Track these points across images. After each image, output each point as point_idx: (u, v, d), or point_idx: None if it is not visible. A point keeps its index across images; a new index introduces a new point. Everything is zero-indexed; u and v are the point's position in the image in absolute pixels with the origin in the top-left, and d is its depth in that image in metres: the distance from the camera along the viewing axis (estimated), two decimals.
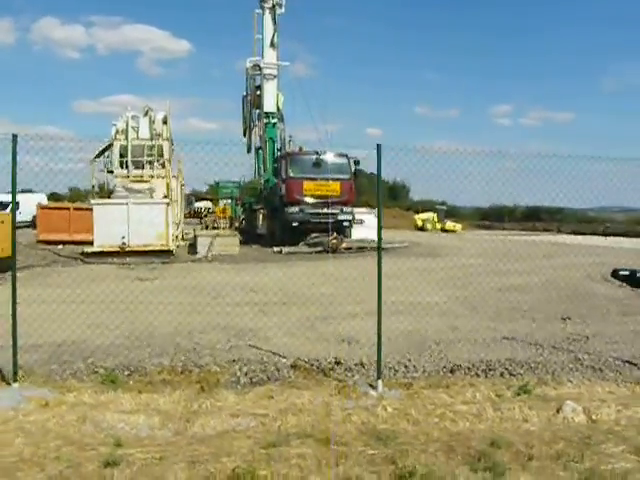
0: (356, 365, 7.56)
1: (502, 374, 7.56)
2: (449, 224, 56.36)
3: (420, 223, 56.70)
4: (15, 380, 6.53)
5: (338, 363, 7.60)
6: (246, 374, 7.15)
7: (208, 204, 51.20)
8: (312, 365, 7.52)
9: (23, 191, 35.81)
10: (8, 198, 25.33)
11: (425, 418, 6.01)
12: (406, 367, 7.66)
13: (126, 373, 7.15)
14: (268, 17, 31.12)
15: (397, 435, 5.55)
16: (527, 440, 5.51)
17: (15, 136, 6.14)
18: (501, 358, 8.05)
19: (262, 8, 31.21)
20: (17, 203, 22.85)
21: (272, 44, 31.07)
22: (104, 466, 4.67)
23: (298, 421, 5.77)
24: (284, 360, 7.68)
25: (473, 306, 11.78)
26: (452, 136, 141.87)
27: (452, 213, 62.03)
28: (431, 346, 8.70)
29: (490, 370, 7.64)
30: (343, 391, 6.68)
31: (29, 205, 37.20)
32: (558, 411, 6.28)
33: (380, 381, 6.81)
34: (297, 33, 47.88)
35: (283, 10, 31.12)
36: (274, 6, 30.89)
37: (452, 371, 7.61)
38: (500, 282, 14.91)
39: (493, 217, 77.62)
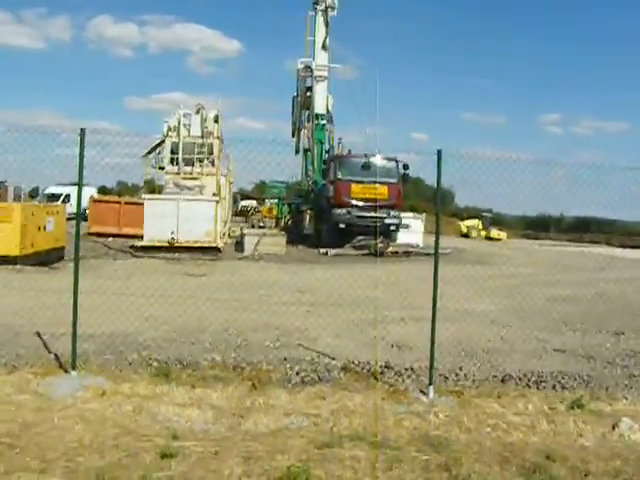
0: (406, 370, 7.53)
1: (554, 386, 7.42)
2: (494, 232, 55.56)
3: (465, 230, 56.08)
4: (74, 368, 6.68)
5: (388, 367, 7.58)
6: (297, 373, 7.18)
7: (253, 203, 51.56)
8: (362, 368, 7.51)
9: (73, 184, 36.79)
10: (60, 190, 26.18)
11: (477, 427, 5.96)
12: (456, 375, 7.60)
13: (179, 367, 7.25)
14: (320, 19, 31.25)
15: (449, 442, 5.50)
16: (582, 455, 5.41)
17: (83, 130, 6.28)
18: (553, 370, 7.92)
19: (315, 10, 31.35)
20: (68, 195, 23.63)
21: (324, 46, 31.18)
22: (161, 457, 4.75)
23: (350, 423, 5.77)
24: (334, 362, 7.69)
25: (523, 316, 11.58)
26: (499, 143, 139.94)
27: (497, 221, 61.22)
28: (481, 355, 8.61)
29: (542, 382, 7.52)
30: (394, 396, 6.66)
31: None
32: (614, 428, 6.14)
33: (432, 387, 6.77)
34: (347, 36, 47.78)
35: (335, 12, 31.20)
36: (327, 8, 30.99)
37: (503, 381, 7.52)
38: (550, 293, 14.67)
39: (539, 226, 76.43)
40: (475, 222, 56.89)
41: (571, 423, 6.17)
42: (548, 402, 6.77)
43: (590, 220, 69.82)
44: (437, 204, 7.01)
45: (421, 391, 6.85)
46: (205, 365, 7.35)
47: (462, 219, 59.87)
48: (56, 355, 7.39)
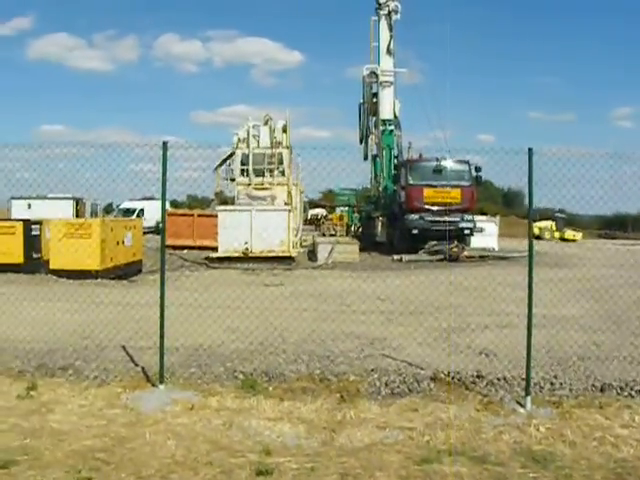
0: (499, 380, 7.20)
1: None
2: (569, 233, 53.91)
3: (537, 231, 54.51)
4: (161, 382, 6.68)
5: (480, 377, 7.26)
6: (386, 384, 6.96)
7: (322, 211, 51.63)
8: (453, 378, 7.22)
9: (145, 198, 37.82)
10: (134, 205, 26.90)
11: (582, 441, 5.60)
12: (552, 384, 7.21)
13: (264, 379, 7.14)
14: (384, 24, 31.04)
15: (554, 458, 5.19)
16: None
17: (165, 143, 6.28)
18: None
19: (378, 15, 31.18)
20: (142, 210, 24.27)
21: (388, 51, 30.94)
22: (256, 474, 4.64)
23: (447, 437, 5.53)
24: (422, 371, 7.43)
25: (614, 320, 11.01)
26: (569, 140, 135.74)
27: (571, 221, 59.33)
28: (575, 362, 8.17)
29: None
30: (489, 407, 6.37)
31: (152, 212, 39.13)
32: None
33: (529, 398, 6.44)
34: (411, 40, 47.47)
35: (399, 16, 30.93)
36: (390, 13, 30.76)
37: (602, 390, 7.08)
38: (638, 295, 13.95)
39: (616, 226, 73.67)
40: (548, 223, 55.29)
41: None
42: None
43: None
44: (530, 205, 6.66)
45: (517, 402, 6.54)
46: (291, 377, 7.22)
47: (535, 220, 58.28)
48: (143, 369, 7.43)
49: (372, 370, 7.48)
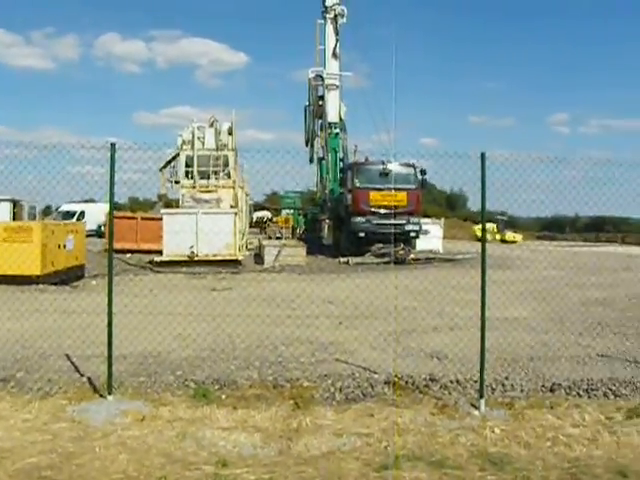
0: (452, 382, 7.23)
1: (605, 394, 7.11)
2: (509, 235, 55.13)
3: (479, 233, 55.49)
4: (110, 392, 6.44)
5: (433, 380, 7.27)
6: (340, 390, 6.89)
7: (267, 214, 51.40)
8: (406, 382, 7.21)
9: (85, 201, 36.83)
10: (74, 208, 26.18)
11: (536, 442, 5.66)
12: (503, 385, 7.28)
13: (216, 387, 6.97)
14: (330, 27, 31.17)
15: (511, 460, 5.22)
16: None
17: (113, 145, 6.08)
18: (602, 377, 7.60)
19: (324, 18, 31.28)
20: (82, 212, 23.67)
21: (334, 54, 31.07)
22: None
23: (404, 442, 5.49)
24: (376, 376, 7.41)
25: (560, 321, 11.28)
26: (509, 145, 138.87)
27: (511, 223, 60.70)
28: (525, 363, 8.30)
29: (592, 390, 7.19)
30: (444, 410, 6.37)
31: (93, 214, 38.17)
32: None
33: (482, 400, 6.48)
34: (357, 43, 47.73)
35: (345, 20, 31.08)
36: (336, 16, 30.89)
37: (552, 390, 7.20)
38: (582, 296, 14.35)
39: (554, 227, 75.75)
40: (490, 226, 56.36)
41: (635, 434, 5.87)
42: (604, 412, 6.47)
43: (605, 219, 69.14)
44: (483, 209, 6.69)
45: (471, 404, 6.57)
46: (243, 384, 7.08)
47: (476, 222, 59.37)
48: (89, 379, 7.16)
49: (325, 375, 7.41)
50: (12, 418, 5.95)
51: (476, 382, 7.01)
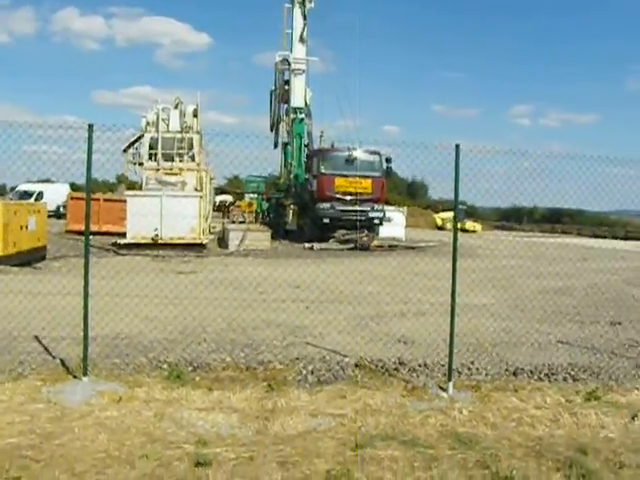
0: (420, 366, 7.45)
1: (565, 379, 7.44)
2: (469, 224, 55.82)
3: (440, 222, 56.27)
4: (85, 374, 6.47)
5: (402, 364, 7.49)
6: (312, 372, 7.05)
7: (229, 198, 51.11)
8: (376, 365, 7.41)
9: (42, 181, 36.14)
10: (33, 188, 25.82)
11: (502, 422, 5.91)
12: (469, 369, 7.55)
13: (190, 369, 7.07)
14: (298, 11, 31.01)
15: (479, 439, 5.44)
16: (612, 447, 5.40)
17: (91, 126, 6.07)
18: (562, 362, 7.93)
19: (292, 2, 31.11)
20: (41, 193, 23.37)
21: (301, 39, 30.96)
22: (195, 465, 4.59)
23: (377, 422, 5.67)
24: (347, 359, 7.57)
25: (520, 308, 11.63)
26: (470, 135, 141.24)
27: (471, 213, 61.57)
28: (488, 348, 8.59)
29: (553, 374, 7.52)
30: (414, 392, 6.59)
31: (52, 195, 37.49)
32: (633, 418, 6.16)
33: (451, 383, 6.71)
34: (323, 29, 47.72)
35: (312, 5, 30.98)
36: (304, 1, 30.77)
37: (515, 374, 7.50)
38: (541, 285, 14.77)
39: (512, 218, 77.08)
40: (450, 214, 57.04)
41: (592, 415, 6.16)
42: (564, 395, 6.78)
43: (561, 211, 70.62)
44: (456, 199, 6.88)
45: (439, 387, 6.79)
46: (216, 366, 7.18)
47: (436, 211, 60.11)
48: (62, 360, 7.16)
49: (297, 358, 7.55)
50: None
51: (443, 366, 7.25)
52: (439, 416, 5.95)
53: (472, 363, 7.72)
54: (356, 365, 7.37)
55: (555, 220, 72.61)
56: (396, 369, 7.34)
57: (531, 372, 7.57)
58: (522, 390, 6.89)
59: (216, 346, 8.10)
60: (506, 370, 7.60)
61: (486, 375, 7.41)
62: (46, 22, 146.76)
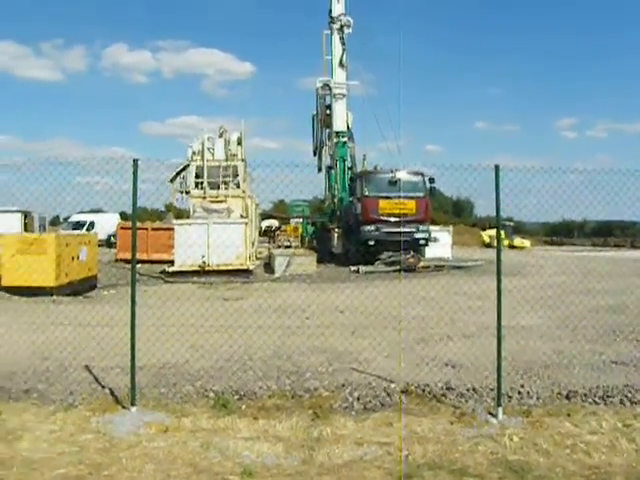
0: (468, 391, 7.30)
1: (622, 401, 7.16)
2: (517, 240, 54.99)
3: (487, 240, 55.50)
4: (133, 404, 6.54)
5: (449, 389, 7.36)
6: (358, 399, 6.98)
7: (275, 222, 51.52)
8: (423, 390, 7.29)
9: (94, 211, 37.00)
10: (84, 218, 26.59)
11: (555, 449, 5.72)
12: (519, 393, 7.35)
13: (236, 397, 7.07)
14: (336, 37, 31.29)
15: (531, 467, 5.29)
16: None
17: (136, 161, 6.20)
18: (618, 384, 7.64)
19: (331, 29, 31.44)
20: (92, 223, 24.02)
21: (341, 64, 31.18)
22: None
23: (424, 450, 5.57)
24: (393, 385, 7.48)
25: (571, 328, 11.32)
26: (515, 150, 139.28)
27: (519, 229, 60.65)
28: (539, 371, 8.36)
29: (608, 397, 7.25)
30: (462, 419, 6.45)
31: (102, 225, 38.47)
32: None
33: (500, 408, 6.55)
34: (363, 52, 48.01)
35: (351, 30, 31.23)
36: (342, 27, 31.05)
37: (568, 397, 7.26)
38: (593, 302, 14.37)
39: (562, 232, 75.71)
40: None
41: None
42: (621, 419, 6.53)
43: (613, 223, 69.09)
44: (498, 218, 6.78)
45: (489, 412, 6.64)
46: (262, 394, 7.18)
47: (483, 229, 59.38)
48: (111, 390, 7.27)
49: (343, 385, 7.49)
50: (38, 430, 6.06)
51: (492, 390, 7.09)
52: (489, 443, 5.81)
53: (522, 387, 7.53)
54: (402, 391, 7.27)
55: (607, 233, 71.05)
56: (443, 394, 7.21)
57: (585, 395, 7.31)
58: (576, 414, 6.66)
59: (262, 374, 8.11)
60: (558, 393, 7.37)
61: (537, 399, 7.19)
62: (97, 58, 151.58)
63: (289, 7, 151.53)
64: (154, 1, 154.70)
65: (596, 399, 7.21)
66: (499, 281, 6.85)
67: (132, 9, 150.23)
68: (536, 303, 14.32)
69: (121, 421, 6.24)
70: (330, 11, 31.40)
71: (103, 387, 7.44)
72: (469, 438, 5.91)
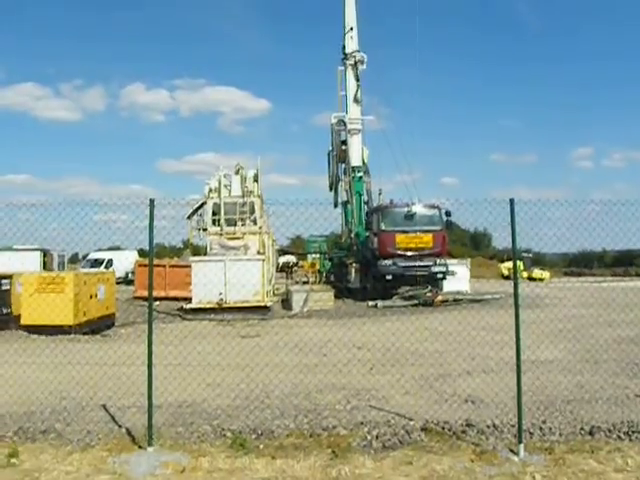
0: (488, 427, 7.18)
1: None
2: (536, 272, 54.44)
3: (505, 272, 55.00)
4: (150, 444, 6.51)
5: (469, 425, 7.23)
6: (377, 437, 6.88)
7: (292, 258, 51.54)
8: (443, 428, 7.18)
9: (112, 248, 37.31)
10: (103, 256, 26.87)
11: None
12: (541, 429, 7.21)
13: (254, 436, 7.01)
14: (351, 73, 31.75)
15: None
16: None
17: (152, 201, 6.27)
18: None
19: (345, 65, 31.91)
20: (110, 260, 24.23)
21: (356, 99, 31.56)
22: None
23: None
24: (412, 422, 7.38)
25: (593, 361, 11.16)
26: (531, 181, 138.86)
27: (538, 260, 60.18)
28: (561, 406, 8.22)
29: (634, 432, 7.07)
30: (483, 456, 6.33)
31: (120, 262, 38.74)
32: None
33: (522, 445, 6.43)
34: (377, 87, 48.59)
35: (365, 66, 31.65)
36: (356, 63, 31.49)
37: (591, 433, 7.11)
38: (615, 334, 14.17)
39: (581, 263, 74.98)
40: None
41: None
42: None
43: (634, 252, 68.32)
44: (514, 252, 6.76)
45: (510, 450, 6.52)
46: (280, 433, 7.10)
47: (502, 261, 58.95)
48: (128, 429, 7.24)
49: (361, 423, 7.40)
50: (55, 470, 6.04)
51: (513, 427, 6.97)
52: None
53: (544, 422, 7.39)
54: (422, 428, 7.16)
55: (627, 262, 70.24)
56: (464, 431, 7.09)
57: (609, 431, 7.15)
58: (600, 451, 6.52)
59: (280, 412, 8.04)
60: (581, 429, 7.22)
61: (560, 435, 7.05)
62: (115, 98, 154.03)
63: (304, 43, 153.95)
64: (171, 40, 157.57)
65: (620, 435, 7.05)
66: (517, 315, 6.78)
67: (150, 48, 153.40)
68: (556, 336, 14.17)
69: (138, 461, 6.20)
70: (344, 47, 31.90)
71: (120, 427, 7.42)
72: (490, 476, 5.80)
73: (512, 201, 6.49)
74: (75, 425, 7.48)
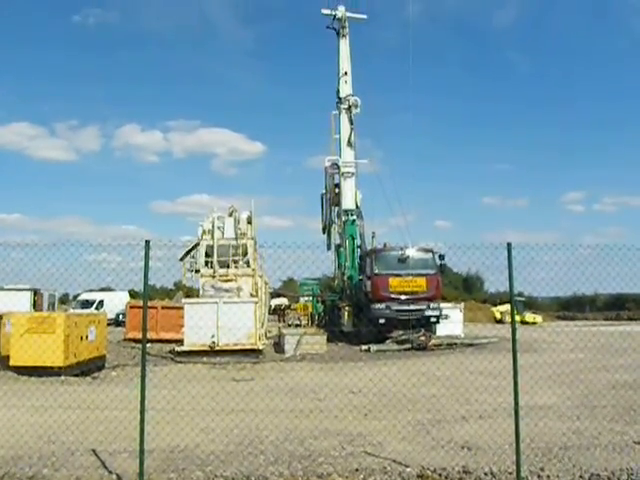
0: (486, 474, 7.07)
1: None
2: (529, 316, 54.56)
3: (499, 316, 55.06)
4: None
5: (467, 472, 7.13)
6: None
7: (284, 301, 51.43)
8: (440, 475, 7.06)
9: (102, 289, 37.07)
10: (93, 296, 26.76)
11: None
12: (539, 477, 7.11)
13: None
14: (344, 117, 32.21)
15: None
16: None
17: (148, 242, 6.25)
18: None
19: (339, 109, 32.38)
20: (101, 301, 24.13)
21: (349, 143, 31.94)
22: None
23: None
24: (408, 469, 7.25)
25: (590, 406, 11.07)
26: (522, 225, 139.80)
27: (530, 304, 60.26)
28: (559, 452, 8.10)
29: None
30: None
31: (111, 303, 38.52)
32: None
33: None
34: (369, 130, 49.19)
35: (359, 110, 32.06)
36: (350, 107, 31.92)
37: None
38: (611, 378, 14.10)
39: (573, 307, 75.05)
40: (508, 307, 55.81)
41: None
42: None
43: (626, 296, 68.54)
44: (511, 296, 6.76)
45: None
46: None
47: (494, 305, 58.98)
48: (118, 476, 7.07)
49: (357, 469, 7.27)
50: None
51: (511, 474, 6.89)
52: None
53: (542, 470, 7.28)
54: (418, 475, 7.05)
55: (620, 306, 70.44)
56: (461, 479, 6.98)
57: (609, 478, 7.07)
58: None
59: (274, 458, 7.89)
60: (580, 477, 7.12)
61: None
62: (109, 138, 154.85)
63: (298, 85, 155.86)
64: (165, 82, 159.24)
65: None
66: (515, 360, 6.74)
67: (145, 90, 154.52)
68: (554, 381, 14.08)
69: None
70: (338, 91, 32.38)
71: (110, 472, 7.24)
72: None
73: (509, 245, 6.52)
74: (64, 470, 7.30)
